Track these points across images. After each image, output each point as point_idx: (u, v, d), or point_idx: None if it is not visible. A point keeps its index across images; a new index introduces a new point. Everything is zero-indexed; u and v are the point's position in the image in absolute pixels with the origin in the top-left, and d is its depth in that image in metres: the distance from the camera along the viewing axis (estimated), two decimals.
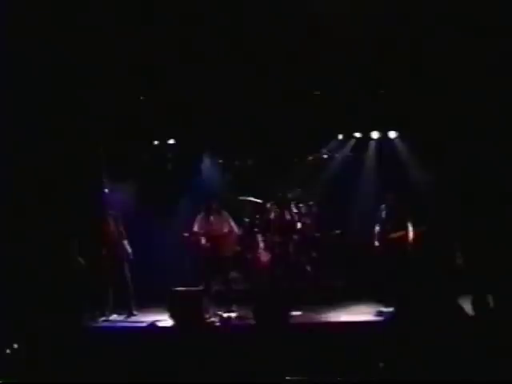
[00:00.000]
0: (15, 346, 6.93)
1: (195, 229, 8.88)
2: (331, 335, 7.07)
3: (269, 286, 9.45)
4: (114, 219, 8.98)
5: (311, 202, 10.31)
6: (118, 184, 10.40)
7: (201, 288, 8.42)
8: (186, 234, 8.85)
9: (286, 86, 9.27)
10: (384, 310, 8.24)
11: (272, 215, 10.00)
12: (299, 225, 9.90)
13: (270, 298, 8.01)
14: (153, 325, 8.28)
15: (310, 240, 9.99)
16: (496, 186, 8.81)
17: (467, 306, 7.22)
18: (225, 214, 9.04)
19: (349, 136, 11.09)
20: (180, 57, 8.67)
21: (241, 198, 10.39)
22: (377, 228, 9.05)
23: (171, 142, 11.03)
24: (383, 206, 9.15)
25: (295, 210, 10.05)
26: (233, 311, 8.61)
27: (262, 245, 9.84)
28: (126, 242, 8.97)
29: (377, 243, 8.98)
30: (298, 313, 8.35)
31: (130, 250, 8.97)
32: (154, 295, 8.99)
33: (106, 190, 10.18)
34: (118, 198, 10.13)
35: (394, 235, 8.86)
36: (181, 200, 10.80)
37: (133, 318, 8.74)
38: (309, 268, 9.87)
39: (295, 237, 9.80)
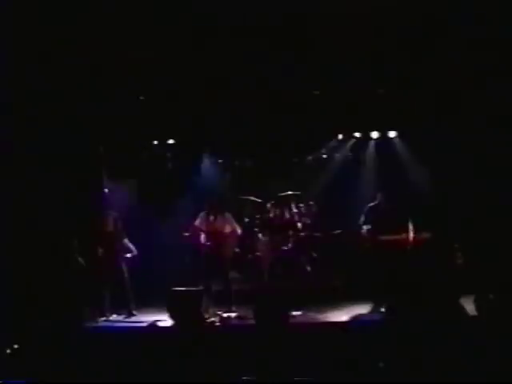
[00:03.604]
0: (15, 346, 6.94)
1: (196, 224, 8.87)
2: (331, 335, 7.07)
3: (269, 285, 9.45)
4: (113, 219, 8.98)
5: (311, 202, 10.31)
6: (118, 183, 10.42)
7: (201, 288, 8.41)
8: (186, 234, 8.84)
9: (286, 86, 9.27)
10: (383, 310, 8.24)
11: (272, 215, 10.00)
12: (299, 225, 9.90)
13: (269, 297, 8.01)
14: (153, 325, 8.28)
15: (310, 240, 9.98)
16: (496, 185, 8.83)
17: (468, 306, 7.23)
18: (227, 214, 9.01)
19: (349, 136, 11.11)
20: (180, 56, 8.67)
21: (241, 197, 10.39)
22: (365, 227, 8.85)
23: (171, 141, 11.03)
24: (371, 204, 8.99)
25: (295, 210, 10.05)
26: (233, 311, 8.61)
27: (262, 244, 9.84)
28: (126, 241, 8.97)
29: (368, 244, 8.78)
30: (298, 313, 8.36)
31: (132, 247, 8.97)
32: (154, 295, 8.99)
33: (106, 190, 10.20)
34: (117, 197, 10.15)
35: (391, 238, 8.68)
36: (181, 200, 10.79)
37: (133, 318, 8.73)
38: (309, 268, 9.86)
39: (295, 236, 9.79)
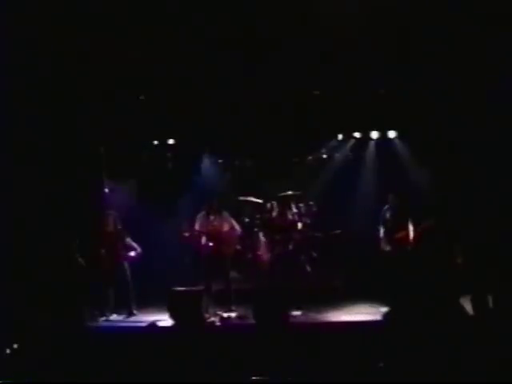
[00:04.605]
0: (15, 345, 6.93)
1: (196, 227, 8.87)
2: (331, 335, 7.07)
3: (269, 285, 9.45)
4: (113, 219, 8.98)
5: (311, 202, 10.32)
6: (118, 183, 10.42)
7: (201, 288, 8.42)
8: (186, 234, 8.84)
9: (286, 86, 9.27)
10: (384, 309, 8.24)
11: (272, 215, 10.00)
12: (299, 225, 9.90)
13: (269, 297, 8.01)
14: (153, 325, 8.28)
15: (310, 240, 9.98)
16: (496, 185, 8.81)
17: (468, 306, 7.23)
18: (225, 213, 9.03)
19: (349, 136, 11.11)
20: (180, 56, 8.67)
21: (241, 198, 10.39)
22: (382, 230, 9.08)
23: (171, 141, 11.03)
24: (386, 207, 9.20)
25: (295, 210, 10.05)
26: (233, 311, 8.62)
27: (262, 244, 9.84)
28: (129, 240, 8.97)
29: (388, 247, 9.00)
30: (298, 313, 8.36)
31: (135, 245, 8.96)
32: (154, 295, 9.00)
33: (106, 190, 10.21)
34: (117, 197, 10.16)
35: (399, 235, 8.91)
36: (181, 200, 10.80)
37: (133, 318, 8.75)
38: (309, 268, 9.86)
39: (295, 236, 9.80)
